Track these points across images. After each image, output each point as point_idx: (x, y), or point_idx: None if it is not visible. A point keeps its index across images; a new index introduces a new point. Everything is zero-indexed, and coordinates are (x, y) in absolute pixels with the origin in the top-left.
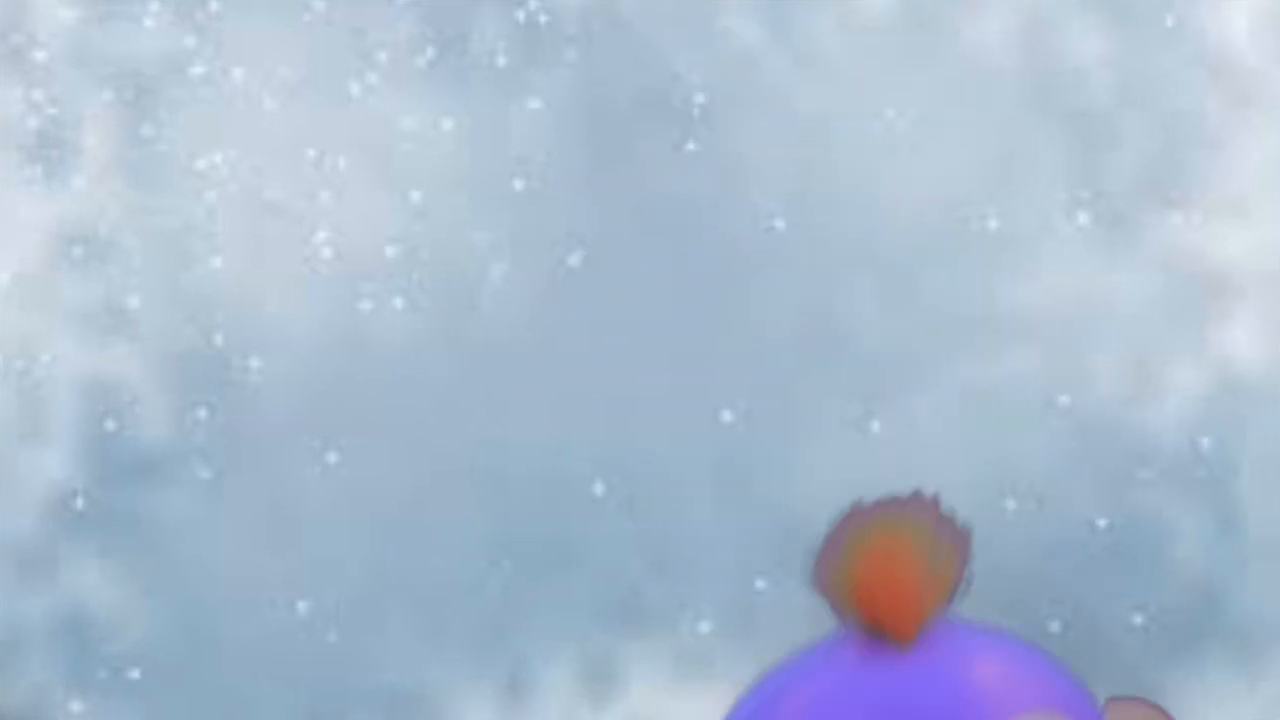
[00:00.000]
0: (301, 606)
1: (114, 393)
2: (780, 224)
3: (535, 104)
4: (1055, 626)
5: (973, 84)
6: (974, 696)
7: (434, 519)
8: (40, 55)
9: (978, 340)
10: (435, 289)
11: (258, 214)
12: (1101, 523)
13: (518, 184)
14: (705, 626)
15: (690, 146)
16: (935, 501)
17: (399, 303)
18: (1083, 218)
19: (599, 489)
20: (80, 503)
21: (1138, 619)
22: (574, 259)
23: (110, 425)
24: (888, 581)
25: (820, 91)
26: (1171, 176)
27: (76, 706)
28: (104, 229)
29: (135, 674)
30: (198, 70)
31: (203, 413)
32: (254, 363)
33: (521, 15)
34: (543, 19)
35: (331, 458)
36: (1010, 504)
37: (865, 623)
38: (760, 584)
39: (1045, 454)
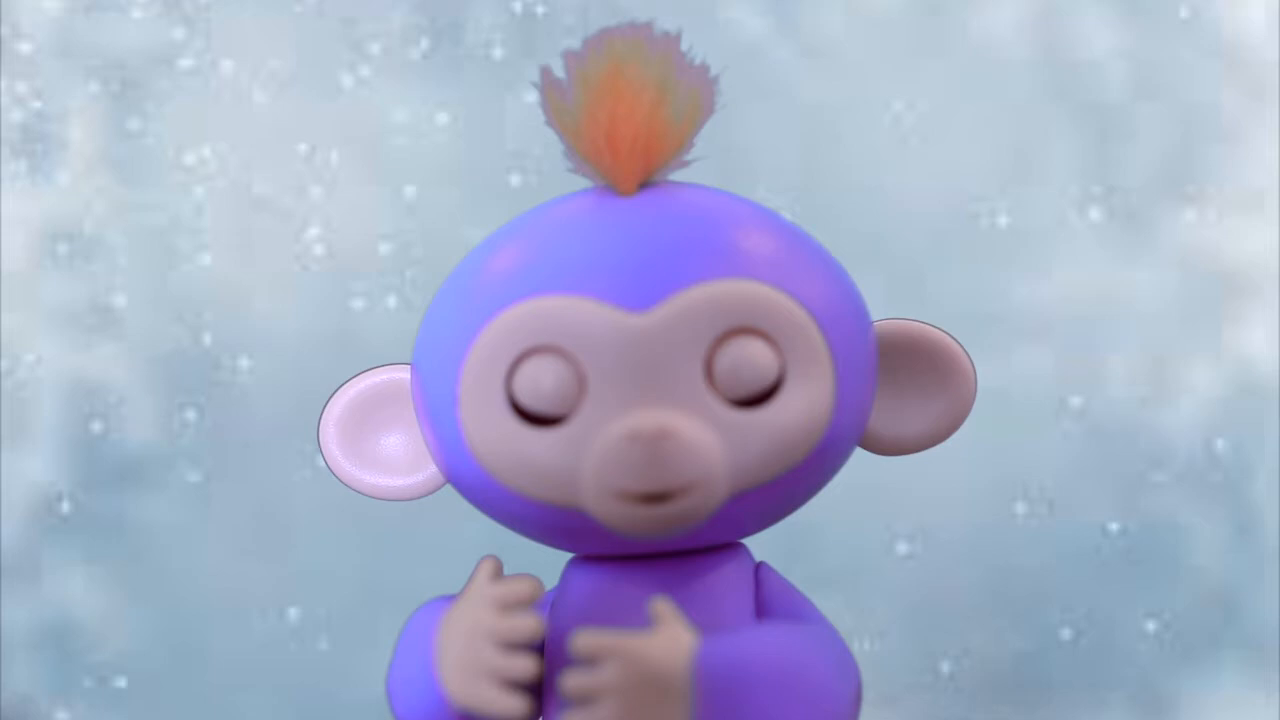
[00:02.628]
0: (292, 614)
1: (100, 394)
2: (785, 219)
3: (532, 97)
4: (1067, 633)
5: (983, 76)
6: (692, 239)
7: (428, 522)
8: (24, 47)
9: (988, 339)
10: (430, 287)
11: (247, 210)
12: (1114, 527)
13: (514, 179)
14: None
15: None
16: (675, 40)
17: (392, 301)
18: (1096, 213)
19: None
20: (65, 506)
21: (1151, 626)
22: None
23: (96, 427)
24: (611, 128)
25: (826, 84)
26: (1187, 171)
27: (62, 716)
28: (89, 225)
29: (121, 682)
30: (186, 62)
31: (191, 414)
32: (244, 363)
33: (518, 6)
34: (540, 10)
35: (323, 460)
36: (1020, 507)
37: (592, 167)
38: None
39: (1057, 456)
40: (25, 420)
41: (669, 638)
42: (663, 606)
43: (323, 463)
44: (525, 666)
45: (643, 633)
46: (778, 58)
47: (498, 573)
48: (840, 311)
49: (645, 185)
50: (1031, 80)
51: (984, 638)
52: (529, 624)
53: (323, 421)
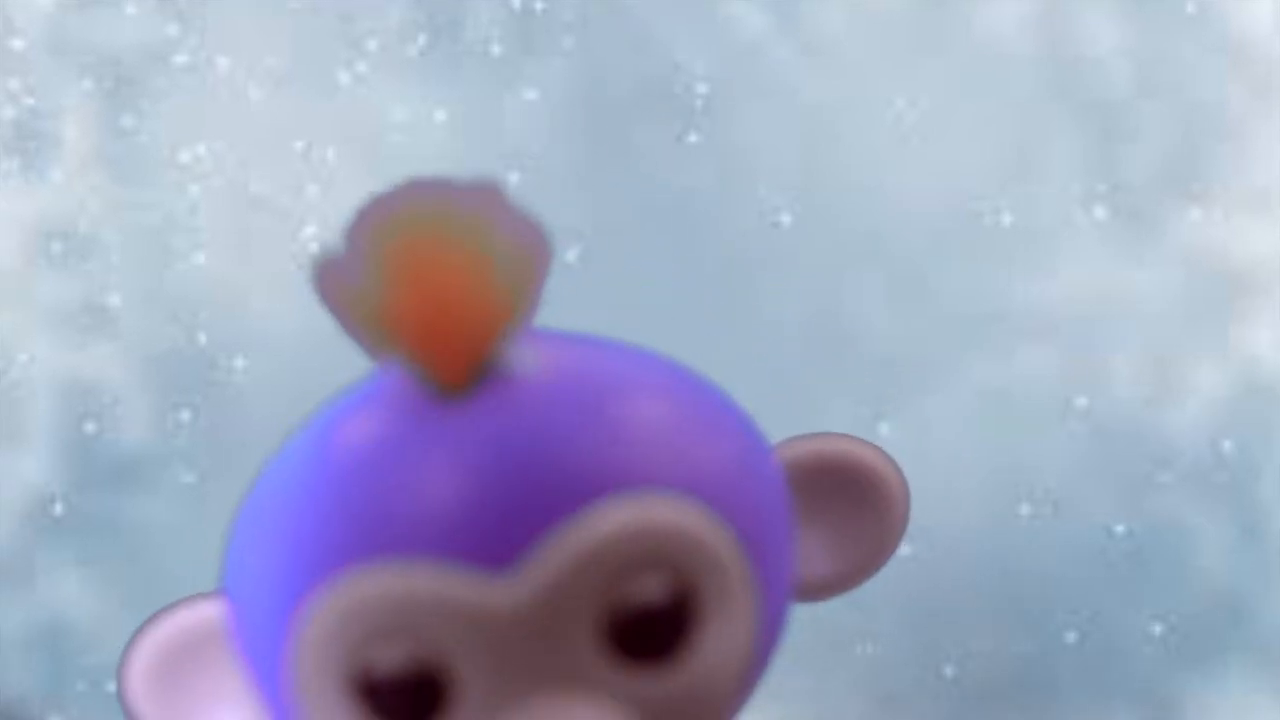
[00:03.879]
0: None
1: (94, 394)
2: (786, 219)
3: (531, 94)
4: (1071, 637)
5: (986, 73)
6: (549, 454)
7: None
8: (17, 43)
9: (991, 339)
10: None
11: (243, 208)
12: (1120, 529)
13: (513, 177)
14: None
15: (692, 138)
16: (496, 190)
17: None
18: (1100, 212)
19: None
20: (59, 508)
21: (1157, 629)
22: (570, 255)
23: (90, 428)
24: (424, 314)
25: (827, 81)
26: (1192, 169)
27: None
28: (83, 224)
29: (114, 687)
30: (181, 59)
31: (186, 415)
32: (239, 363)
33: (517, 2)
34: (539, 6)
35: None
36: (1025, 509)
37: (406, 362)
38: None
39: (1061, 457)
40: (19, 421)
41: None
42: None
43: None
44: None
45: None
46: (778, 55)
47: None
48: (748, 488)
49: (477, 371)
50: (1035, 77)
51: (987, 641)
52: None
53: (125, 682)
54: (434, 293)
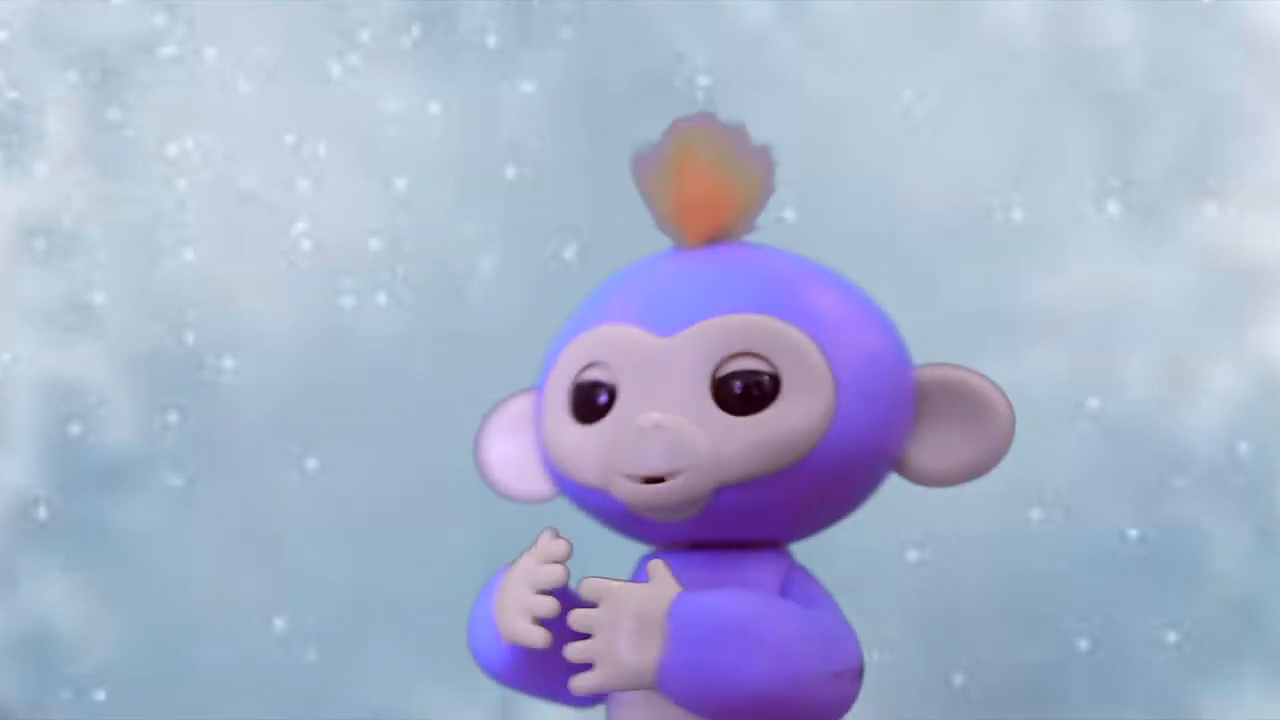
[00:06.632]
0: (278, 623)
1: (78, 394)
2: (790, 214)
3: (528, 86)
4: (1084, 644)
5: (996, 65)
6: (723, 282)
7: (421, 529)
8: (0, 35)
9: (1000, 338)
10: (421, 283)
11: (232, 204)
12: (1133, 533)
13: (509, 171)
14: None
15: None
16: (741, 127)
17: (382, 298)
18: (1113, 208)
19: None
20: (42, 512)
21: (1171, 636)
22: (569, 252)
23: (75, 429)
24: (681, 193)
25: (832, 73)
26: (1207, 164)
27: None
28: (68, 220)
29: (101, 695)
30: (168, 51)
31: (173, 416)
32: (228, 362)
33: None
34: None
35: (311, 464)
36: (1035, 513)
37: (667, 227)
38: None
39: (1073, 460)
40: (1, 422)
41: (654, 588)
42: (657, 565)
43: (311, 466)
44: (547, 605)
45: (636, 583)
46: (782, 46)
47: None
48: (857, 347)
49: (714, 242)
50: (1046, 69)
51: (997, 648)
52: (554, 572)
53: (480, 442)
54: (682, 189)
